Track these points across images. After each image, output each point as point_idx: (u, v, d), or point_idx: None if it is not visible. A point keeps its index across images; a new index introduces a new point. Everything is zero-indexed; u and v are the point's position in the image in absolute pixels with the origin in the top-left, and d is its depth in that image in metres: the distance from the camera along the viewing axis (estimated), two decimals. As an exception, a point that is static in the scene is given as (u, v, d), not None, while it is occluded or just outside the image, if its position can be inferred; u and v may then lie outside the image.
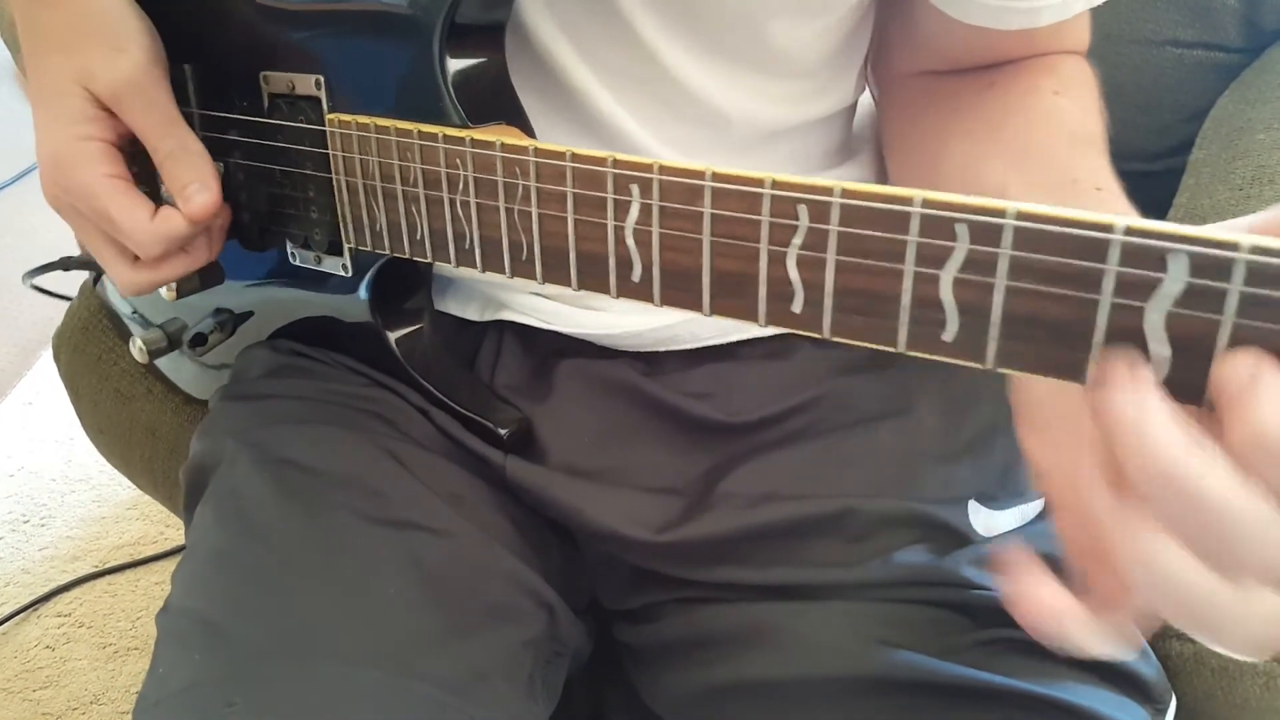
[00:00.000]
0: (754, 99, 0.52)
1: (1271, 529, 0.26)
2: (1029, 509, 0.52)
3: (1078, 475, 0.29)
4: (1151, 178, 0.82)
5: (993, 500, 0.52)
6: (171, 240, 0.48)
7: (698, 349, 0.56)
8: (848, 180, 0.59)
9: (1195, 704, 0.51)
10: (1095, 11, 0.51)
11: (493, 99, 0.47)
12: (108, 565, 1.34)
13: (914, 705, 0.45)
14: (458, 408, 0.54)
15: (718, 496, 0.52)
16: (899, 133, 0.58)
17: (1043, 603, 0.29)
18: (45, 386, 1.68)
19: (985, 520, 0.51)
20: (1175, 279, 0.27)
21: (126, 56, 0.47)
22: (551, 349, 0.57)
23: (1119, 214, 0.28)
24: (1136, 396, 0.27)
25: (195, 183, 0.48)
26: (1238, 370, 0.26)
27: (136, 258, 0.50)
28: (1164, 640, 0.51)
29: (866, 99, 0.63)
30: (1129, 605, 0.30)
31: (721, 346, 0.56)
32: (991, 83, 0.52)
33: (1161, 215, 0.75)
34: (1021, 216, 0.29)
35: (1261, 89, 0.75)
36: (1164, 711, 0.48)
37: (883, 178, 0.62)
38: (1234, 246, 0.26)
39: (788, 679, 0.48)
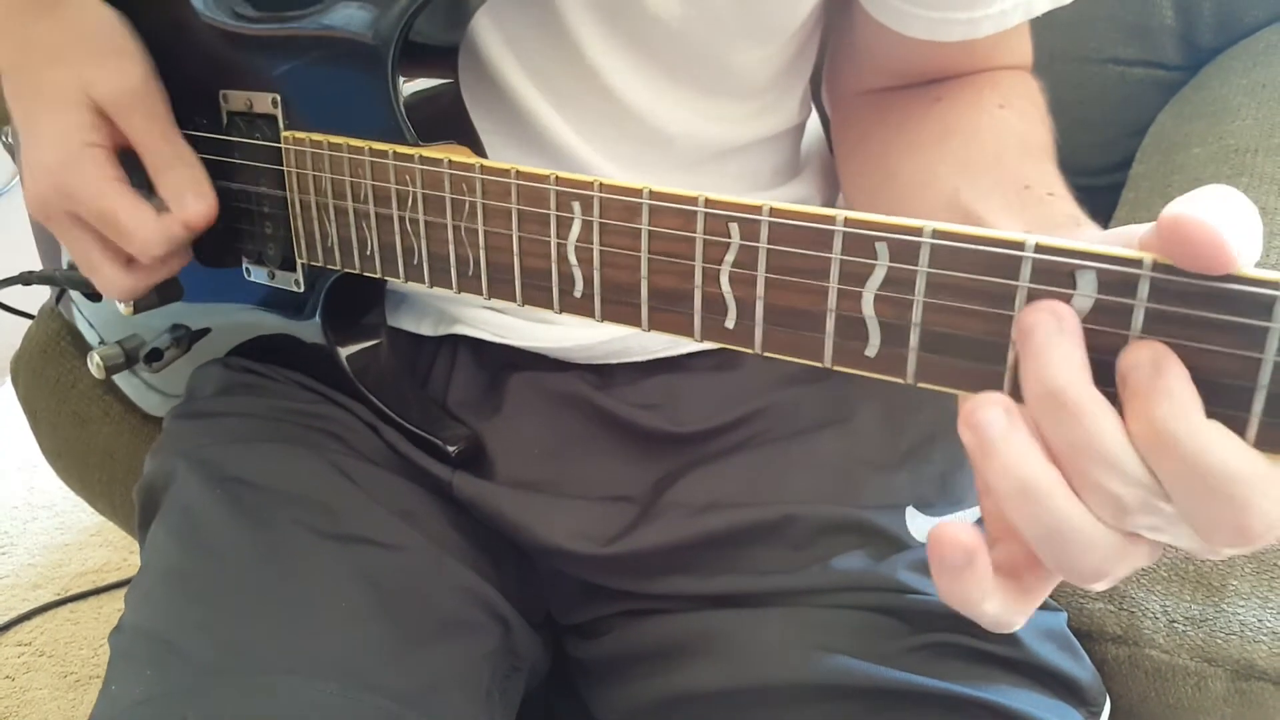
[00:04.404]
0: (698, 118, 0.53)
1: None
2: (967, 515, 0.53)
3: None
4: (1096, 192, 0.83)
5: (930, 506, 0.52)
6: (174, 242, 0.50)
7: (648, 361, 0.57)
8: (794, 199, 0.61)
9: (1130, 706, 0.52)
10: (1039, 31, 0.53)
11: (445, 119, 0.48)
12: (70, 593, 1.32)
13: (852, 710, 0.46)
14: (407, 425, 0.55)
15: (664, 506, 0.53)
16: (852, 150, 0.59)
17: (956, 537, 0.29)
18: (7, 414, 1.66)
19: (922, 526, 0.51)
20: (1084, 294, 0.29)
21: (129, 67, 0.49)
22: (504, 362, 0.58)
23: (1064, 214, 0.28)
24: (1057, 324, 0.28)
25: (191, 190, 0.50)
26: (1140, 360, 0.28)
27: (129, 261, 0.51)
28: (1100, 644, 0.52)
29: (814, 118, 0.64)
30: (1028, 573, 0.31)
31: (672, 359, 0.57)
32: (938, 97, 0.53)
33: (1104, 229, 0.77)
34: (938, 235, 0.30)
35: (1198, 105, 0.77)
36: (1098, 714, 0.49)
37: (831, 195, 0.64)
38: (1138, 263, 0.28)
39: (730, 688, 0.49)
